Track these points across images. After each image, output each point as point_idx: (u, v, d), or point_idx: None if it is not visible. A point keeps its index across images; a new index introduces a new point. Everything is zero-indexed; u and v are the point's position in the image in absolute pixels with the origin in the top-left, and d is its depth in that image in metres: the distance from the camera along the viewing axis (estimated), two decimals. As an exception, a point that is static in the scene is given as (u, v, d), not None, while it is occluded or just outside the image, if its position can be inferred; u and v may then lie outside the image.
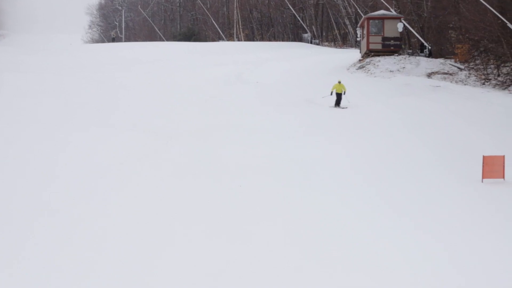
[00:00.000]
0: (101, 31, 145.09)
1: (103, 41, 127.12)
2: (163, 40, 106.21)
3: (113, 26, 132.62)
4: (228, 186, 24.63)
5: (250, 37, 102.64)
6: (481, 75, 47.05)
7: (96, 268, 17.80)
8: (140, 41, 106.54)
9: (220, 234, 20.25)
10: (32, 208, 21.56)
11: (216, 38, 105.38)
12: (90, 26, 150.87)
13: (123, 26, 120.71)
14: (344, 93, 38.16)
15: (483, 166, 25.18)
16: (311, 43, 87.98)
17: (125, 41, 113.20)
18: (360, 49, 57.61)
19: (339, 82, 38.60)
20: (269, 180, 25.28)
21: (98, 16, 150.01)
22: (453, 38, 54.35)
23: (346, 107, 37.76)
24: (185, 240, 19.87)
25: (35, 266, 17.53)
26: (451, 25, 54.69)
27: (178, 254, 18.92)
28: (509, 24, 40.89)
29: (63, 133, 30.82)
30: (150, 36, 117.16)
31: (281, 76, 50.51)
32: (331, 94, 38.53)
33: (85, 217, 21.33)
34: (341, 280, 17.17)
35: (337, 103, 38.12)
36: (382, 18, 53.58)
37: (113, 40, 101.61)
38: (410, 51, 55.56)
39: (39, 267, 17.49)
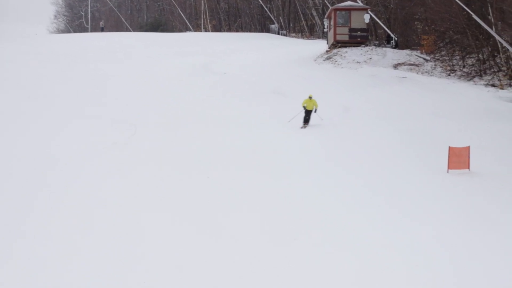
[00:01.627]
0: (67, 21, 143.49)
1: (69, 32, 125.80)
2: (129, 31, 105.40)
3: (79, 16, 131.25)
4: (196, 177, 24.58)
5: (217, 28, 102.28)
6: (446, 66, 47.41)
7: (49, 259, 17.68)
8: (106, 31, 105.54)
9: (188, 224, 20.19)
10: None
11: (183, 28, 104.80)
12: (55, 16, 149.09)
13: (89, 17, 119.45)
14: (315, 110, 32.63)
15: (448, 157, 25.35)
16: (278, 34, 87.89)
17: (91, 31, 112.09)
18: (327, 40, 57.70)
19: (310, 98, 32.68)
20: (237, 170, 25.29)
21: (63, 6, 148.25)
22: (419, 30, 54.67)
23: (304, 127, 32.28)
24: (153, 231, 19.78)
25: None
26: (417, 17, 54.98)
27: (146, 245, 18.82)
28: (474, 16, 41.21)
29: (20, 124, 30.51)
30: (117, 26, 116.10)
31: (248, 67, 50.40)
32: (304, 109, 32.69)
33: (45, 208, 21.16)
34: (314, 264, 17.25)
35: (306, 121, 32.46)
36: (349, 9, 53.70)
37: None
38: (377, 42, 55.77)
39: None
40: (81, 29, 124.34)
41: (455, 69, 46.68)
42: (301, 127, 31.98)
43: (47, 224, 20.11)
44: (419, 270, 17.35)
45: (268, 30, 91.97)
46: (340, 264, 17.72)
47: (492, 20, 42.54)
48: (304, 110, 32.49)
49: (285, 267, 17.56)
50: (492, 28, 41.67)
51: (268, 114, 34.49)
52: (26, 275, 17.06)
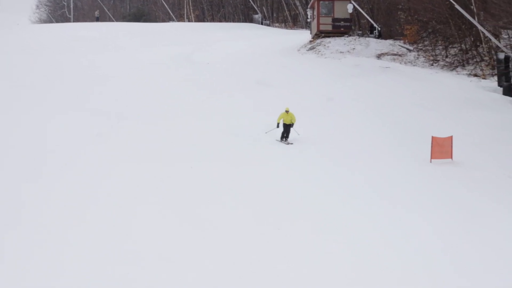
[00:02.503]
0: (49, 11, 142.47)
1: (51, 21, 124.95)
2: (112, 21, 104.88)
3: (61, 6, 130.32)
4: (179, 168, 24.56)
5: (200, 18, 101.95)
6: (429, 56, 47.53)
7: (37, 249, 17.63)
8: (89, 21, 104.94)
9: (172, 215, 20.18)
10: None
11: (166, 19, 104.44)
12: (37, 6, 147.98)
13: (71, 7, 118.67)
14: (292, 125, 28.60)
15: (431, 147, 25.45)
16: (261, 24, 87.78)
17: (73, 21, 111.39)
18: (311, 30, 57.66)
19: (287, 111, 28.69)
20: (221, 162, 25.30)
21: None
22: (402, 20, 54.73)
23: (292, 143, 28.33)
24: (139, 222, 19.76)
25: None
26: (400, 7, 55.05)
27: (132, 236, 18.79)
28: (456, 6, 41.28)
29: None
30: (100, 16, 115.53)
31: (232, 57, 50.27)
32: (278, 126, 28.70)
33: (32, 200, 21.12)
34: (300, 252, 17.31)
35: (284, 136, 28.62)
36: (333, 0, 53.67)
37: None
38: (360, 32, 55.78)
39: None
40: (64, 19, 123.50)
41: (438, 59, 46.82)
42: (283, 142, 28.38)
43: (38, 214, 20.09)
44: (405, 253, 17.59)
45: (251, 20, 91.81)
46: (329, 250, 17.78)
47: (475, 10, 42.66)
48: (282, 124, 28.66)
49: (271, 256, 17.58)
50: (474, 18, 41.79)
51: (252, 105, 34.40)
52: (17, 261, 17.03)
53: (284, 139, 28.39)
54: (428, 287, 16.16)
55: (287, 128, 28.52)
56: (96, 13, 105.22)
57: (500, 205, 21.10)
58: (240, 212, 20.51)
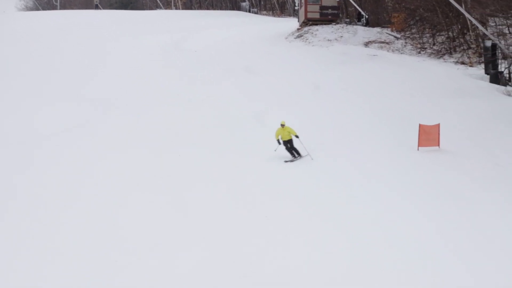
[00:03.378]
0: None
1: (37, 9, 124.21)
2: (99, 8, 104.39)
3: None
4: (167, 156, 24.59)
5: (188, 6, 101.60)
6: (417, 44, 47.59)
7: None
8: (76, 9, 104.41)
9: (159, 202, 20.23)
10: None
11: (154, 6, 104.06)
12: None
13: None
14: (297, 137, 25.00)
15: (419, 135, 25.50)
16: (249, 11, 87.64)
17: (60, 9, 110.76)
18: (298, 18, 57.61)
19: (283, 125, 24.90)
20: (206, 149, 25.37)
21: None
22: (389, 7, 54.77)
23: (301, 156, 25.07)
24: (128, 207, 19.81)
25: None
26: (387, -6, 55.10)
27: (120, 221, 18.83)
28: (444, -6, 41.37)
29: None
30: (86, 3, 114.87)
31: (219, 45, 50.21)
32: (279, 143, 25.04)
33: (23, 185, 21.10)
34: (286, 236, 17.38)
35: (294, 152, 25.06)
36: (320, -13, 53.63)
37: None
38: (348, 20, 55.80)
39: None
40: (50, 6, 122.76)
41: (425, 46, 46.90)
42: (291, 160, 24.82)
43: (27, 201, 20.13)
44: (398, 239, 17.80)
45: (239, 8, 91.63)
46: (319, 235, 17.87)
47: (462, -3, 42.78)
48: (282, 143, 25.08)
49: (260, 240, 17.66)
50: (461, 6, 41.84)
51: (239, 93, 34.39)
52: (7, 247, 17.11)
53: (296, 156, 24.89)
54: (424, 270, 16.31)
55: (289, 143, 24.91)
56: (96, 0, 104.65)
57: (488, 192, 21.21)
58: (223, 196, 20.64)
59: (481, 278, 15.99)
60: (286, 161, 24.47)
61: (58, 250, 17.33)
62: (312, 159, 24.33)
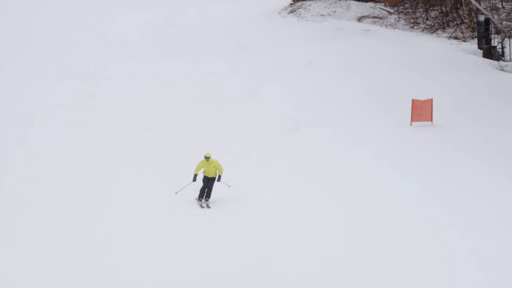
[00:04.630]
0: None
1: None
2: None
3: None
4: (160, 132, 24.66)
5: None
6: (410, 18, 47.48)
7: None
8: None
9: (152, 177, 20.29)
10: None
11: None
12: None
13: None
14: (219, 178, 19.39)
15: (412, 110, 25.55)
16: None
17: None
18: (291, -7, 57.22)
19: (207, 158, 19.14)
20: (199, 126, 25.44)
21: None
22: (383, -18, 54.49)
23: (210, 207, 19.10)
24: (124, 183, 19.86)
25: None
26: (381, -31, 54.78)
27: (111, 200, 18.90)
28: (437, -32, 41.22)
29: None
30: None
31: (211, 20, 49.93)
32: (194, 179, 19.27)
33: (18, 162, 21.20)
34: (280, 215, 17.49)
35: (205, 194, 19.26)
36: (313, -39, 53.25)
37: None
38: (341, -6, 55.48)
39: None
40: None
41: (419, 21, 46.79)
42: (200, 204, 19.14)
43: (21, 177, 20.25)
44: (396, 210, 18.19)
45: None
46: (320, 209, 17.99)
47: (455, -28, 42.65)
48: (203, 178, 19.33)
49: (253, 216, 17.77)
50: (455, -20, 41.77)
51: (230, 69, 34.28)
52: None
53: (203, 199, 19.23)
54: (421, 238, 16.64)
55: (208, 183, 19.28)
56: None
57: (480, 165, 21.41)
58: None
59: (474, 242, 16.34)
60: (202, 207, 18.99)
61: (49, 223, 17.44)
62: (229, 186, 19.42)
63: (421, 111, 25.55)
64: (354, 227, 17.27)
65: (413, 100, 25.67)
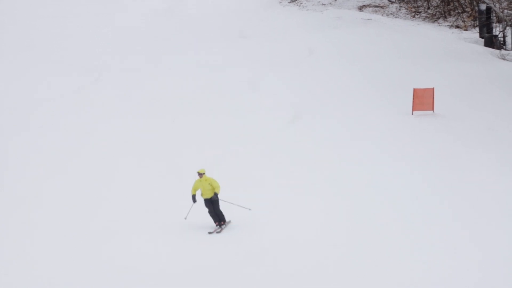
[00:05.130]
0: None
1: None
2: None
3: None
4: (161, 121, 24.72)
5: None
6: (411, 8, 47.36)
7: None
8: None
9: (152, 166, 20.34)
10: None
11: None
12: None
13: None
14: (216, 196, 17.35)
15: (413, 99, 25.52)
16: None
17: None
18: (292, -18, 57.09)
19: (200, 175, 17.35)
20: (200, 114, 25.52)
21: None
22: (384, -29, 54.33)
23: (219, 231, 17.40)
24: (118, 174, 19.92)
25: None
26: (382, -43, 54.61)
27: (110, 188, 18.94)
28: (439, -43, 41.09)
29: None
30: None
31: (213, 10, 49.79)
32: (194, 200, 17.54)
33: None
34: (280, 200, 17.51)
35: (216, 217, 17.48)
36: (314, -50, 53.09)
37: None
38: (342, -17, 55.33)
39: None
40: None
41: (420, 10, 46.67)
42: (216, 231, 17.36)
43: (22, 164, 20.37)
44: (400, 200, 18.26)
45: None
46: (314, 194, 18.01)
47: (457, -40, 42.50)
48: (203, 201, 17.53)
49: (255, 205, 17.79)
50: (456, -31, 41.65)
51: (233, 57, 34.26)
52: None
53: (219, 225, 17.46)
54: (421, 227, 16.65)
55: (210, 205, 17.44)
56: None
57: (481, 154, 21.46)
58: (215, 159, 20.79)
59: (475, 232, 16.34)
60: (210, 232, 17.31)
61: (47, 213, 17.54)
62: (249, 209, 17.62)
63: (423, 100, 25.52)
64: (355, 216, 17.29)
65: (414, 89, 25.63)
